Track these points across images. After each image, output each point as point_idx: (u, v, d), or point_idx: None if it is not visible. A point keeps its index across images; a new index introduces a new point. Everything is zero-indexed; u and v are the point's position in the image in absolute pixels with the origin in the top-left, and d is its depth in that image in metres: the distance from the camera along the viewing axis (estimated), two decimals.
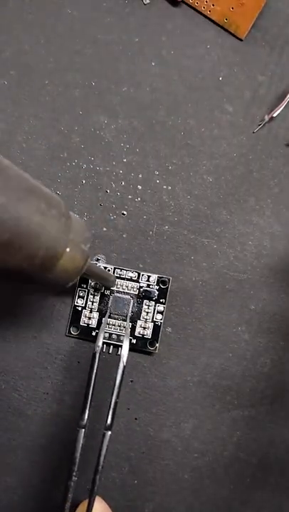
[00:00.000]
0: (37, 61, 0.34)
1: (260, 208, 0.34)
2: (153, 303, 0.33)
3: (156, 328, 0.33)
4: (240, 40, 0.35)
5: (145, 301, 0.33)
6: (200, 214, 0.34)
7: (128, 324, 0.32)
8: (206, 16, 0.35)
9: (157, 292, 0.33)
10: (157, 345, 0.33)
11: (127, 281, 0.33)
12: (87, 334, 0.33)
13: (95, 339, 0.33)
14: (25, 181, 0.21)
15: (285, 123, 0.34)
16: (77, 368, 0.33)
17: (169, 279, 0.33)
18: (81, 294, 0.33)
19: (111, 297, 0.33)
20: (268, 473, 0.33)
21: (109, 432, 0.27)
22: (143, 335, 0.33)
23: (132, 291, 0.33)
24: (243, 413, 0.33)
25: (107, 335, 0.33)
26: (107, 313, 0.32)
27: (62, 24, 0.35)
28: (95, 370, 0.28)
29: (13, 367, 0.33)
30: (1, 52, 0.34)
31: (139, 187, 0.34)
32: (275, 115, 0.34)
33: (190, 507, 0.33)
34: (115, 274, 0.33)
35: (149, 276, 0.33)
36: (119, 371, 0.28)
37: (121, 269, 0.33)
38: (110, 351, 0.33)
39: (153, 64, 0.34)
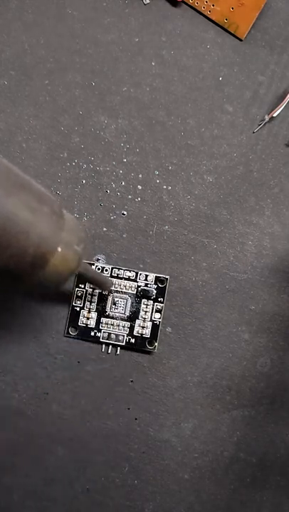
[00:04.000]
0: (37, 61, 0.34)
1: (260, 208, 0.34)
2: (151, 302, 0.33)
3: (155, 328, 0.33)
4: (240, 40, 0.35)
5: (143, 300, 0.33)
6: (200, 214, 0.34)
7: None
8: (206, 16, 0.35)
9: (155, 291, 0.33)
10: (156, 344, 0.33)
11: (125, 281, 0.33)
12: (86, 334, 0.33)
13: (93, 339, 0.33)
14: (16, 176, 0.20)
15: (285, 123, 0.34)
16: (77, 367, 0.33)
17: (166, 278, 0.33)
18: (79, 294, 0.33)
19: (109, 297, 0.33)
20: (268, 473, 0.33)
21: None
22: (142, 334, 0.33)
23: (130, 291, 0.33)
24: (243, 413, 0.33)
25: (106, 335, 0.33)
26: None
27: (62, 24, 0.35)
28: None
29: (13, 367, 0.33)
30: (1, 52, 0.34)
31: (139, 187, 0.34)
32: (275, 115, 0.34)
33: (190, 507, 0.33)
34: (113, 274, 0.33)
35: (146, 276, 0.33)
36: None
37: (119, 269, 0.33)
38: (109, 351, 0.33)
39: (153, 64, 0.34)
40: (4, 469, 0.33)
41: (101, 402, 0.33)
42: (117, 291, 0.33)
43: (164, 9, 0.35)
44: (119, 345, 0.33)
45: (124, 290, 0.33)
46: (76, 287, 0.33)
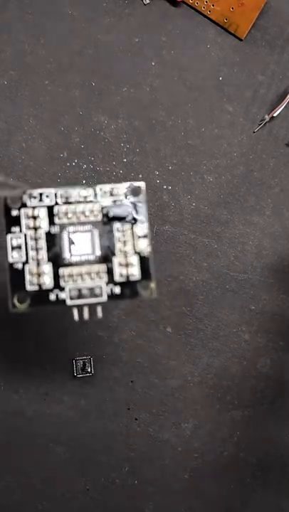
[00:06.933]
0: (37, 61, 0.34)
1: (261, 208, 0.34)
2: (128, 225, 0.22)
3: (145, 261, 0.22)
4: (240, 40, 0.35)
5: (116, 226, 0.22)
6: (200, 214, 0.34)
7: None
8: (206, 16, 0.35)
9: (131, 208, 0.23)
10: (152, 285, 0.22)
11: (82, 204, 0.22)
12: (44, 300, 0.21)
13: (57, 304, 0.22)
14: None
15: (285, 123, 0.34)
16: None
17: (140, 187, 0.23)
18: (15, 244, 0.21)
19: (63, 235, 0.22)
20: (268, 473, 0.33)
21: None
22: (128, 276, 0.22)
23: (91, 218, 0.22)
24: (243, 413, 0.33)
25: (74, 293, 0.22)
26: None
27: (62, 24, 0.35)
28: None
29: (13, 367, 0.33)
30: (1, 52, 0.34)
31: None
32: (275, 115, 0.34)
33: (190, 507, 0.33)
34: (59, 198, 0.22)
35: (112, 189, 0.22)
36: None
37: (66, 190, 0.22)
38: (86, 316, 0.22)
39: (153, 64, 0.34)
40: (4, 469, 0.33)
41: (101, 402, 0.33)
42: (72, 224, 0.22)
43: (164, 9, 0.35)
44: (99, 304, 0.22)
45: (82, 219, 0.22)
46: (9, 232, 0.22)
